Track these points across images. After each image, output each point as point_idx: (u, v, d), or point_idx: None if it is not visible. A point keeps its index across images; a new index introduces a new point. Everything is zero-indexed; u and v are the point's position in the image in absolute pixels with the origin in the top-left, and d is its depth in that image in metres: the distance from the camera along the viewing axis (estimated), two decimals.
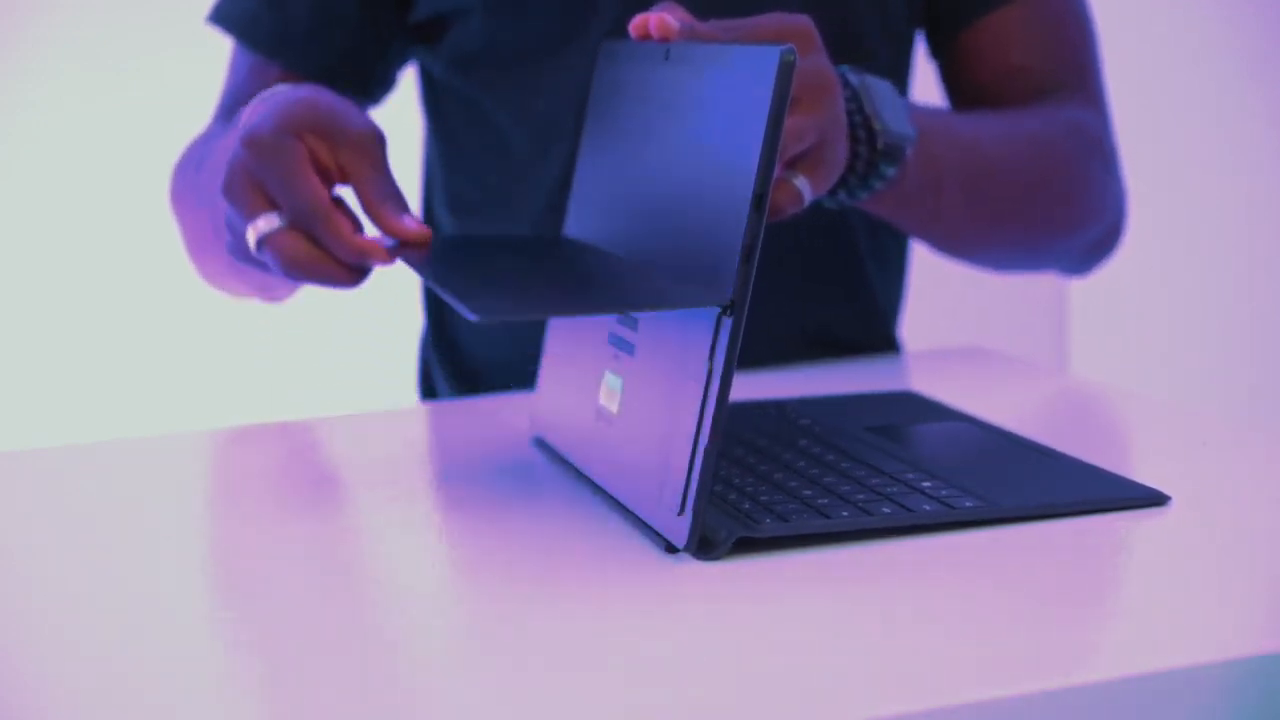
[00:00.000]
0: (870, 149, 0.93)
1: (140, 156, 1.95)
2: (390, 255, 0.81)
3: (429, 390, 1.26)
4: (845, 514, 0.72)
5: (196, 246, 1.11)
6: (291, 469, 0.89)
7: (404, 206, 0.82)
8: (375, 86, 1.17)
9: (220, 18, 1.16)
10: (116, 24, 1.93)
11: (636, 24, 0.81)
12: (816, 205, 1.15)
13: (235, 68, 1.17)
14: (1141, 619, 0.64)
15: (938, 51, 1.19)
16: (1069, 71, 1.16)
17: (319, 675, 0.60)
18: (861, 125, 0.92)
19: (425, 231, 0.82)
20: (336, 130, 0.83)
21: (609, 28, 1.08)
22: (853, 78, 0.93)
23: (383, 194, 0.82)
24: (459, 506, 0.80)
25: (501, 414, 0.98)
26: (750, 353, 1.11)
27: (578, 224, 0.88)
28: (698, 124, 0.74)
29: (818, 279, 1.16)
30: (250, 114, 0.85)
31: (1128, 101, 1.23)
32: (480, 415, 1.01)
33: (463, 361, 1.20)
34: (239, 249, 0.85)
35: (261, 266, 0.84)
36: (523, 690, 0.58)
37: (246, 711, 0.58)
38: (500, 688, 0.58)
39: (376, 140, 0.83)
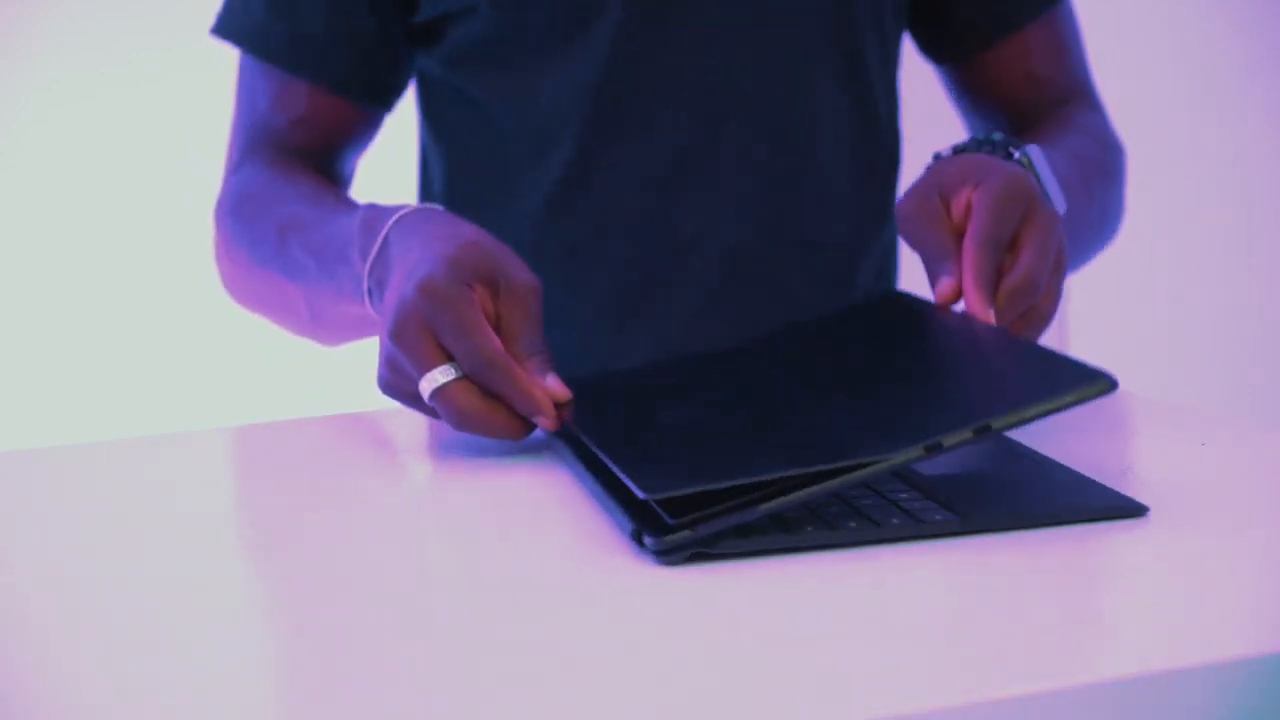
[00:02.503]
0: None
1: (141, 156, 1.96)
2: (558, 414, 0.84)
3: None
4: (810, 528, 0.70)
5: (263, 305, 1.11)
6: (291, 468, 0.89)
7: (549, 365, 0.85)
8: (390, 93, 1.16)
9: (227, 31, 1.15)
10: (117, 23, 1.93)
11: (945, 295, 0.85)
12: (819, 207, 1.15)
13: (251, 89, 1.15)
14: (1141, 619, 0.64)
15: (952, 61, 1.20)
16: (1078, 77, 1.20)
17: (314, 674, 0.60)
18: None
19: (566, 393, 0.84)
20: (501, 279, 0.85)
21: (613, 32, 1.08)
22: (1016, 152, 0.94)
23: (530, 349, 0.85)
24: (458, 506, 0.80)
25: None
26: None
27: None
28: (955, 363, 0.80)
29: (818, 280, 1.16)
30: (412, 250, 0.87)
31: (1128, 101, 1.23)
32: None
33: None
34: (401, 391, 0.86)
35: (430, 413, 0.86)
36: (522, 691, 0.58)
37: (238, 708, 0.58)
38: (495, 688, 0.58)
39: (534, 292, 0.86)
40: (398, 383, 0.86)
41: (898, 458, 0.69)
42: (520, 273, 0.86)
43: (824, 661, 0.59)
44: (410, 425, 1.00)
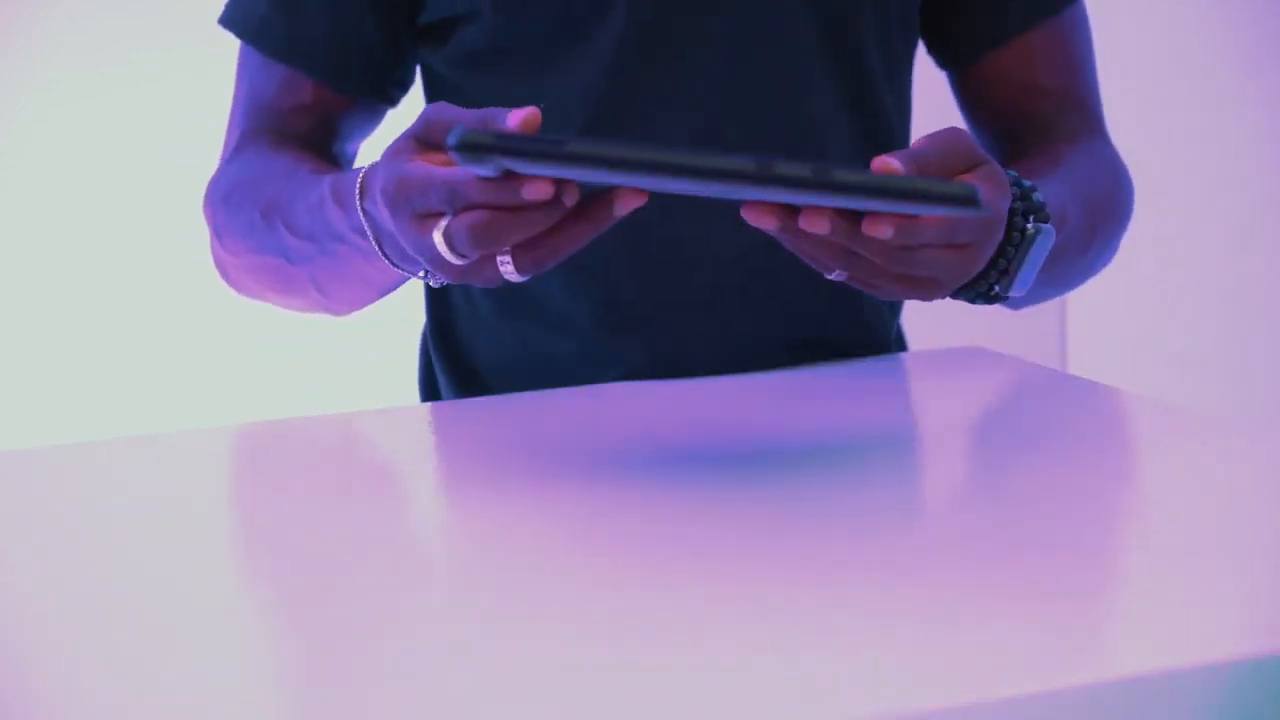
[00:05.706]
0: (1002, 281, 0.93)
1: (141, 156, 1.96)
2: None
3: (431, 388, 1.26)
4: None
5: (265, 289, 1.10)
6: (291, 468, 0.89)
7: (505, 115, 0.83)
8: (391, 88, 1.16)
9: (230, 22, 1.16)
10: (117, 23, 1.93)
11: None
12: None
13: (253, 78, 1.15)
14: (1141, 619, 0.64)
15: (956, 66, 1.20)
16: (1082, 94, 1.20)
17: (314, 674, 0.60)
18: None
19: (533, 115, 0.81)
20: (421, 126, 0.84)
21: (614, 44, 1.08)
22: (1028, 223, 0.92)
23: (485, 115, 0.82)
24: (458, 507, 0.80)
25: (504, 415, 0.98)
26: (743, 356, 1.12)
27: None
28: None
29: (816, 281, 1.16)
30: (370, 175, 0.88)
31: (1127, 100, 1.23)
32: (482, 416, 1.01)
33: (462, 360, 1.20)
34: (442, 267, 0.84)
35: (464, 278, 0.84)
36: (522, 689, 0.58)
37: (238, 708, 0.58)
38: (497, 687, 0.58)
39: (435, 108, 0.84)
40: (439, 264, 0.84)
41: (720, 163, 0.69)
42: (429, 111, 0.85)
43: (822, 661, 0.59)
44: (410, 425, 1.00)
